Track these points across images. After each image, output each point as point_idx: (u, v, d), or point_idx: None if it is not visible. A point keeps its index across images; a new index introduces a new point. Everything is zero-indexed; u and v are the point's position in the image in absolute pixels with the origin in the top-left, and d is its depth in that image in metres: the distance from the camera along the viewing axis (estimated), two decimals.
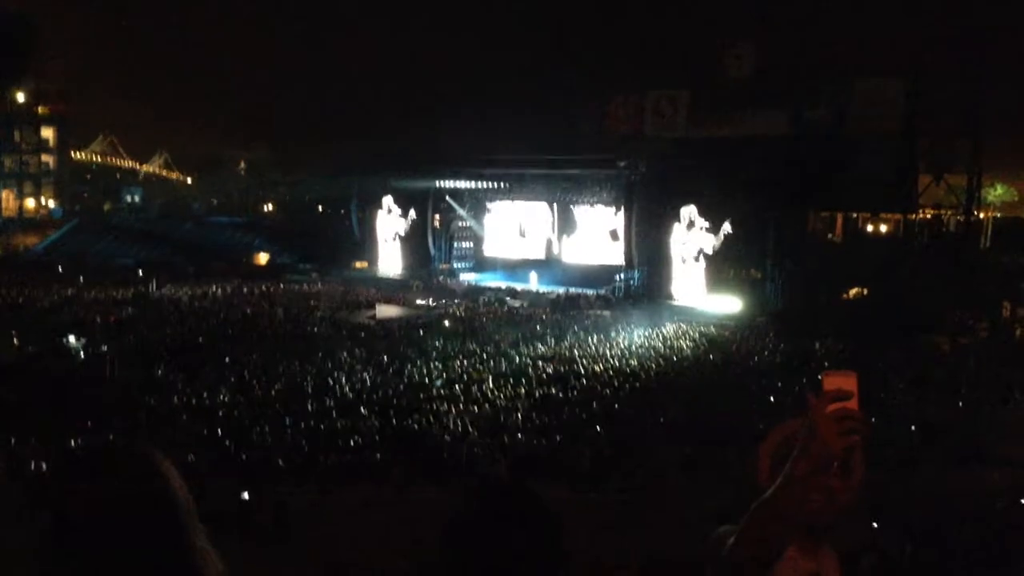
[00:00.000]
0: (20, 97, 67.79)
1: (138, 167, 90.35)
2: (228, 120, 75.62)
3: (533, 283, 43.21)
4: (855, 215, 43.72)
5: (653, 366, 24.29)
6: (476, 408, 18.68)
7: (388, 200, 52.62)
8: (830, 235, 43.58)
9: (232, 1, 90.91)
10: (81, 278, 41.35)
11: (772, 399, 19.69)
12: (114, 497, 1.59)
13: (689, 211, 40.58)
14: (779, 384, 21.51)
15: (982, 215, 44.11)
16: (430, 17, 66.06)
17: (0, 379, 19.98)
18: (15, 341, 24.96)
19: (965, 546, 9.34)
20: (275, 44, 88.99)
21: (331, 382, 20.98)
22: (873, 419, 16.59)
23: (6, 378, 20.22)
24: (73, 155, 79.52)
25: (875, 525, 9.73)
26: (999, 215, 50.89)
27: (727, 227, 39.34)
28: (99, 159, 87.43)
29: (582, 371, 23.06)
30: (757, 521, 1.77)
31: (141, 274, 44.41)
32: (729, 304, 37.71)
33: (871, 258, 37.35)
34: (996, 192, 53.77)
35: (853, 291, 36.88)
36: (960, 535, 9.75)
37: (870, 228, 45.73)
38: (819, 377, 1.75)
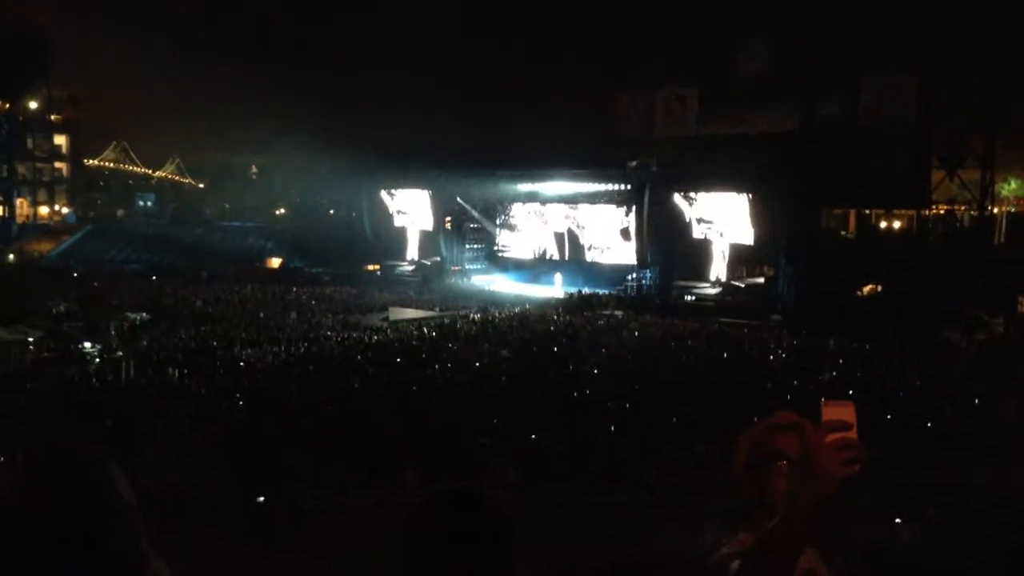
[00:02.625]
0: (33, 105, 68.24)
1: (150, 173, 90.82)
2: (239, 124, 75.81)
3: (558, 284, 43.15)
4: (868, 211, 43.54)
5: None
6: (491, 408, 18.65)
7: (399, 202, 52.76)
8: (843, 232, 43.41)
9: (245, 5, 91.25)
10: (95, 283, 41.56)
11: (789, 397, 19.57)
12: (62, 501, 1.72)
13: (700, 210, 40.52)
14: (794, 382, 21.41)
15: (996, 210, 43.83)
16: (436, 18, 66.18)
17: (14, 386, 20.11)
18: (30, 347, 25.10)
19: (986, 543, 9.26)
20: (278, 53, 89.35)
21: (344, 384, 21.00)
22: (889, 416, 16.57)
23: (20, 385, 20.35)
24: (86, 162, 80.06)
25: (897, 521, 9.67)
26: (1013, 210, 50.50)
27: (739, 225, 39.26)
28: (112, 165, 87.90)
29: (595, 371, 23.04)
30: (764, 551, 1.80)
31: (154, 279, 44.67)
32: (742, 302, 37.61)
33: (885, 254, 37.15)
34: (1010, 187, 53.34)
35: (867, 288, 36.69)
36: (981, 532, 9.68)
37: (883, 224, 45.53)
38: (821, 404, 1.78)
